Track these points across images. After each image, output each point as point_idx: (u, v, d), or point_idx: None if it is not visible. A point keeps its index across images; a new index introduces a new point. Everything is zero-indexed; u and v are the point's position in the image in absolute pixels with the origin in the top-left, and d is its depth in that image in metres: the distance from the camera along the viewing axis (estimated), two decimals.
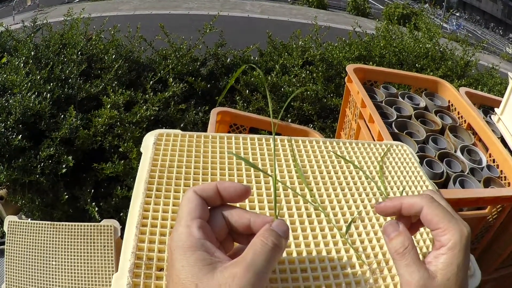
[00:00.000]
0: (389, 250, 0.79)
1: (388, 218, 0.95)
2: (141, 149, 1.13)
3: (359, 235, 0.98)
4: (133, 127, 3.36)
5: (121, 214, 3.20)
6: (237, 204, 0.79)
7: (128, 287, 0.79)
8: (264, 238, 0.68)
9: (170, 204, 0.97)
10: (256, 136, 1.25)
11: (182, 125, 3.67)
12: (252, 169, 1.11)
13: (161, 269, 0.84)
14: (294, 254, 0.91)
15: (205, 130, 2.89)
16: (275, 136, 1.25)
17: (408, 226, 0.82)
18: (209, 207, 0.75)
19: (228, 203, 0.77)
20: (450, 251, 0.74)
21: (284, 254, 0.90)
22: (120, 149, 3.26)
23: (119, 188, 3.17)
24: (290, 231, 0.74)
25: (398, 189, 1.16)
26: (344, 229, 0.98)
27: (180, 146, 1.15)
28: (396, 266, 0.77)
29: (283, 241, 0.71)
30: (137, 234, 0.88)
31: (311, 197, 1.06)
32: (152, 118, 3.53)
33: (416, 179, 1.22)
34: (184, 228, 0.68)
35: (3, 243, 2.51)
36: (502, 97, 2.43)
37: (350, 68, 2.50)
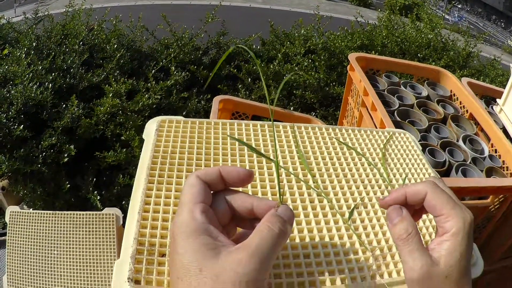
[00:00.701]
0: (392, 236, 0.79)
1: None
2: (143, 136, 1.13)
3: (362, 221, 0.98)
4: (135, 115, 3.36)
5: (123, 202, 3.20)
6: (240, 189, 0.79)
7: (130, 273, 0.79)
8: (270, 223, 0.68)
9: (172, 190, 0.97)
10: (258, 122, 1.24)
11: (184, 113, 3.66)
12: (254, 155, 1.11)
13: (163, 255, 0.83)
14: (297, 240, 0.91)
15: (207, 118, 2.88)
16: (278, 123, 1.25)
17: (411, 212, 0.81)
18: (211, 192, 0.74)
19: (231, 188, 0.76)
20: (454, 238, 0.74)
21: (287, 240, 0.90)
22: (122, 138, 3.25)
23: (121, 176, 3.17)
24: (294, 217, 0.74)
25: (401, 176, 1.16)
26: (347, 215, 0.98)
27: (183, 133, 1.15)
28: (399, 252, 0.77)
29: (289, 227, 0.70)
30: (139, 220, 0.88)
31: (313, 183, 1.06)
32: (154, 106, 3.53)
33: (418, 166, 1.22)
34: (187, 213, 0.68)
35: (4, 234, 2.51)
36: (504, 88, 2.43)
37: (352, 56, 2.50)
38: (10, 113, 3.08)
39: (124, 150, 3.20)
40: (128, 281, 0.78)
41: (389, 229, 0.79)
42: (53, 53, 3.69)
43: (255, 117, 2.90)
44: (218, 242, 0.66)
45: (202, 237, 0.65)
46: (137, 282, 0.79)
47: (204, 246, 0.64)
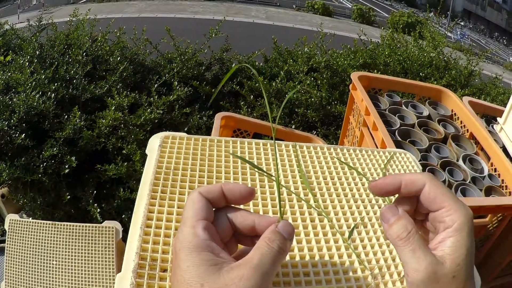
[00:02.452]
0: (389, 237, 0.75)
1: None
2: (147, 151, 1.14)
3: (362, 240, 0.99)
4: (137, 129, 3.36)
5: (123, 216, 3.20)
6: (241, 206, 0.80)
7: (132, 287, 0.80)
8: (269, 241, 0.69)
9: (175, 206, 0.98)
10: (260, 141, 1.25)
11: (186, 129, 3.67)
12: (256, 173, 1.12)
13: (164, 270, 0.84)
14: (297, 258, 0.92)
15: (208, 134, 2.89)
16: (280, 142, 1.26)
17: (411, 211, 0.79)
18: (213, 209, 0.75)
19: (232, 205, 0.77)
20: (458, 233, 0.71)
21: (288, 258, 0.91)
22: (124, 151, 3.25)
23: (121, 190, 3.17)
24: (294, 232, 0.74)
25: None
26: (346, 234, 0.99)
27: (186, 149, 1.16)
28: (399, 253, 0.73)
29: (288, 243, 0.71)
30: (141, 235, 0.89)
31: (314, 202, 1.07)
32: (156, 121, 3.52)
33: None
34: (189, 229, 0.69)
35: (3, 241, 2.51)
36: (505, 106, 2.44)
37: (354, 75, 2.51)
38: (12, 121, 3.09)
39: (125, 163, 3.20)
40: None
41: (385, 230, 0.76)
42: (56, 62, 3.70)
43: (257, 135, 2.90)
44: (220, 259, 0.66)
45: (204, 253, 0.66)
46: None
47: (206, 262, 0.65)
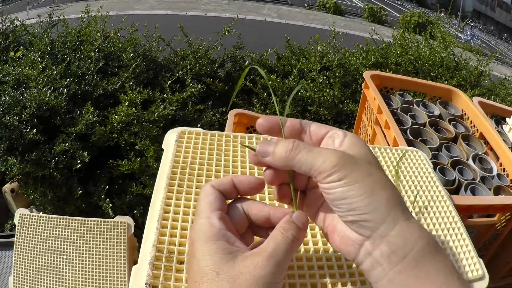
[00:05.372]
0: (278, 159, 0.72)
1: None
2: (163, 146, 1.16)
3: None
4: (150, 125, 3.36)
5: (135, 211, 3.20)
6: (257, 198, 0.81)
7: (148, 278, 0.82)
8: (284, 230, 0.70)
9: (191, 200, 1.00)
10: (274, 137, 1.27)
11: (199, 125, 3.66)
12: None
13: (181, 262, 0.86)
14: (312, 251, 0.94)
15: (222, 131, 2.89)
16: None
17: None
18: (228, 200, 0.77)
19: (247, 197, 0.79)
20: (348, 137, 0.73)
21: (302, 250, 0.93)
22: (137, 147, 3.26)
23: (134, 185, 3.18)
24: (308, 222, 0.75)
25: (413, 193, 1.18)
26: None
27: (202, 144, 1.18)
28: (298, 166, 0.70)
29: (302, 233, 0.72)
30: (158, 228, 0.91)
31: None
32: (169, 117, 3.53)
33: (429, 184, 1.23)
34: (204, 220, 0.70)
35: (12, 236, 2.52)
36: None
37: (367, 74, 2.52)
38: (23, 116, 3.10)
39: (138, 159, 3.21)
40: (146, 287, 0.81)
41: (271, 160, 0.73)
42: (68, 58, 3.72)
43: None
44: (235, 247, 0.68)
45: (219, 242, 0.68)
46: (155, 287, 0.81)
47: (221, 250, 0.67)
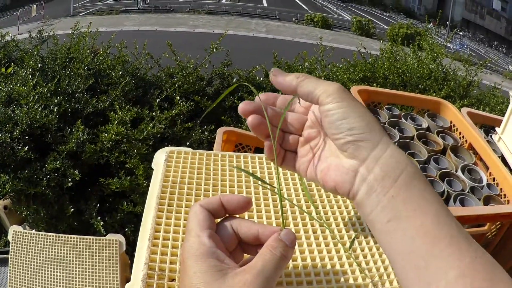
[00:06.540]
0: (288, 83, 0.85)
1: None
2: (153, 165, 1.17)
3: (362, 250, 1.01)
4: (140, 144, 3.38)
5: (126, 229, 3.21)
6: (246, 217, 0.83)
7: None
8: (272, 248, 0.72)
9: (181, 218, 1.01)
10: (263, 155, 1.28)
11: (188, 143, 3.68)
12: (260, 186, 1.15)
13: (173, 280, 0.87)
14: (300, 267, 0.95)
15: (210, 148, 2.90)
16: None
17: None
18: (217, 219, 0.78)
19: (236, 216, 0.80)
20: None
21: (291, 266, 0.94)
22: (127, 165, 3.27)
23: (125, 203, 3.18)
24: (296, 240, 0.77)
25: None
26: (348, 244, 1.02)
27: (191, 164, 1.19)
28: (302, 91, 0.82)
29: (290, 250, 0.74)
30: (150, 246, 0.92)
31: (316, 214, 1.10)
32: (159, 135, 3.54)
33: None
34: (195, 238, 0.72)
35: (6, 252, 2.53)
36: (503, 116, 2.46)
37: (354, 89, 2.53)
38: (15, 133, 3.11)
39: (129, 177, 3.21)
40: None
41: (282, 84, 0.86)
42: (58, 76, 3.73)
43: (258, 149, 2.91)
44: (225, 265, 0.69)
45: (210, 260, 0.69)
46: None
47: (211, 268, 0.68)
